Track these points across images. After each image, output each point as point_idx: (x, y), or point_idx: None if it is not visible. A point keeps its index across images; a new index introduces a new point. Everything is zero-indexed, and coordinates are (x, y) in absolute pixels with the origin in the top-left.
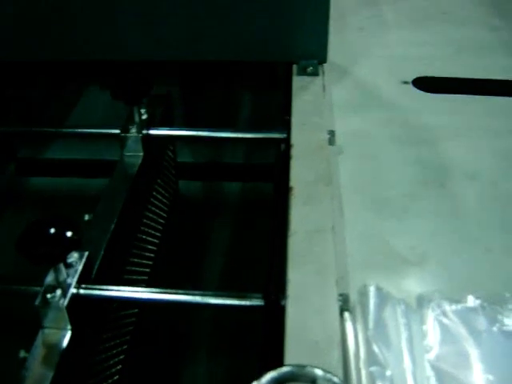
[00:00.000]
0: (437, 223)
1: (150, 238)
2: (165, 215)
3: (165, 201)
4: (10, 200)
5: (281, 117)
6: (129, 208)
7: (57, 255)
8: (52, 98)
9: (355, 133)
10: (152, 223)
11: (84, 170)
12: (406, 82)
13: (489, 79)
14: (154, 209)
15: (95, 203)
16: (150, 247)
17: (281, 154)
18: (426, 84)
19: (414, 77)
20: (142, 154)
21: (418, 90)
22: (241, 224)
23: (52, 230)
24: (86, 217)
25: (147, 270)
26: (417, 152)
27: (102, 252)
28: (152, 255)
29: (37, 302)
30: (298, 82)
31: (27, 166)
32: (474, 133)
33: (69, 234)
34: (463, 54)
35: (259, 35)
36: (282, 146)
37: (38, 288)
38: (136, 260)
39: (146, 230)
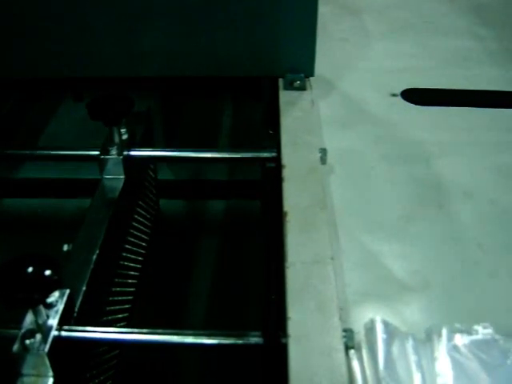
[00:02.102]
0: (437, 246)
1: (132, 264)
2: (147, 238)
3: (146, 223)
4: None
5: (265, 130)
6: (111, 236)
7: (36, 299)
8: (23, 114)
9: (346, 150)
10: (134, 248)
11: (59, 190)
12: (394, 95)
13: (478, 90)
14: (136, 233)
15: (72, 225)
16: (132, 275)
17: (267, 172)
18: (415, 96)
19: (402, 89)
20: (122, 176)
21: (407, 103)
22: (226, 246)
23: (30, 270)
24: (66, 247)
25: (129, 303)
26: (410, 169)
27: (84, 288)
28: (134, 286)
29: (15, 349)
30: (285, 96)
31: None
32: (467, 147)
33: (49, 273)
34: (449, 64)
35: (243, 49)
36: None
37: (15, 331)
38: (118, 292)
39: (128, 256)
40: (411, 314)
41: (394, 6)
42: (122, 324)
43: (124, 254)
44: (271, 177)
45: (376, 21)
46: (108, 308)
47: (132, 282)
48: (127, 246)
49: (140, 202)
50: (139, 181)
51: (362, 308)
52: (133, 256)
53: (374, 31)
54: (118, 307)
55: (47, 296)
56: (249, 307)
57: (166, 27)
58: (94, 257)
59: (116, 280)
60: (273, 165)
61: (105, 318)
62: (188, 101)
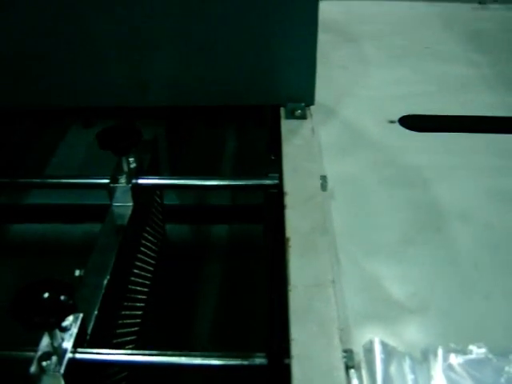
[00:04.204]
0: (434, 269)
1: (140, 288)
2: (153, 263)
3: (153, 247)
4: None
5: (267, 156)
6: (121, 261)
7: (53, 322)
8: (33, 140)
9: (345, 176)
10: (142, 272)
11: (65, 216)
12: (392, 121)
13: (475, 116)
14: (143, 257)
15: (79, 250)
16: (139, 298)
17: (269, 197)
18: (413, 122)
19: (400, 115)
20: (131, 203)
21: (404, 129)
22: (230, 271)
23: (47, 296)
24: (77, 272)
25: (136, 325)
26: (408, 194)
27: (96, 312)
28: (141, 310)
29: (32, 370)
30: (286, 125)
31: (7, 212)
32: (464, 172)
33: (65, 298)
34: (447, 90)
35: (246, 79)
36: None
37: (32, 353)
38: (127, 315)
39: (136, 280)
40: (409, 334)
41: (393, 32)
42: (130, 346)
43: (132, 278)
44: (273, 202)
45: (375, 48)
46: (117, 331)
47: (139, 305)
48: (135, 271)
49: (147, 227)
50: (147, 207)
51: (361, 329)
52: (140, 280)
53: (373, 58)
54: (126, 330)
55: (63, 320)
56: (252, 328)
57: (171, 59)
58: (105, 281)
59: (125, 303)
60: (275, 190)
61: (114, 341)
62: (192, 128)
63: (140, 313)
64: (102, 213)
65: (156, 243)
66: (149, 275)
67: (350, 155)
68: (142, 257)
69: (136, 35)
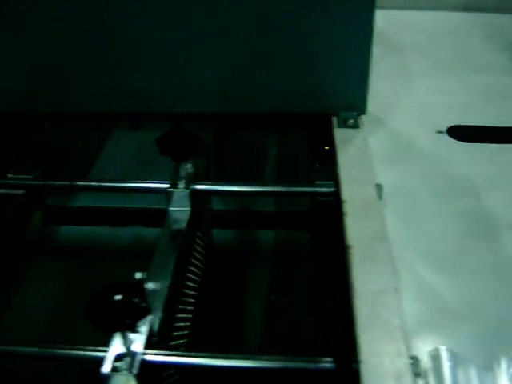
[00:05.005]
0: (489, 277)
1: (192, 292)
2: (202, 267)
3: (202, 251)
4: (39, 251)
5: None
6: (180, 265)
7: (129, 324)
8: (79, 142)
9: (396, 185)
10: (193, 276)
11: (114, 218)
12: (440, 132)
13: None
14: (194, 261)
15: (128, 253)
16: (191, 302)
17: (317, 205)
18: (461, 133)
19: (448, 126)
20: (188, 208)
21: (453, 140)
22: (277, 278)
23: (121, 298)
24: (138, 275)
25: (188, 328)
26: (459, 204)
27: (160, 314)
28: (191, 312)
29: (104, 370)
30: (340, 134)
31: (56, 214)
32: None
33: (138, 301)
34: (492, 101)
35: (298, 87)
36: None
37: (103, 353)
38: (181, 318)
39: (189, 284)
40: (467, 342)
41: (434, 42)
42: (182, 349)
43: (187, 283)
44: (321, 209)
45: (417, 57)
46: (174, 333)
47: (190, 309)
48: (188, 274)
49: (198, 233)
50: (200, 213)
51: (421, 336)
52: (192, 284)
53: (417, 68)
54: (180, 333)
55: (138, 322)
56: (298, 332)
57: (221, 65)
58: (168, 284)
59: (182, 308)
60: (325, 198)
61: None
62: (236, 134)
63: (190, 316)
64: (147, 216)
65: (205, 248)
66: (198, 279)
67: (399, 165)
68: (194, 261)
69: (188, 43)
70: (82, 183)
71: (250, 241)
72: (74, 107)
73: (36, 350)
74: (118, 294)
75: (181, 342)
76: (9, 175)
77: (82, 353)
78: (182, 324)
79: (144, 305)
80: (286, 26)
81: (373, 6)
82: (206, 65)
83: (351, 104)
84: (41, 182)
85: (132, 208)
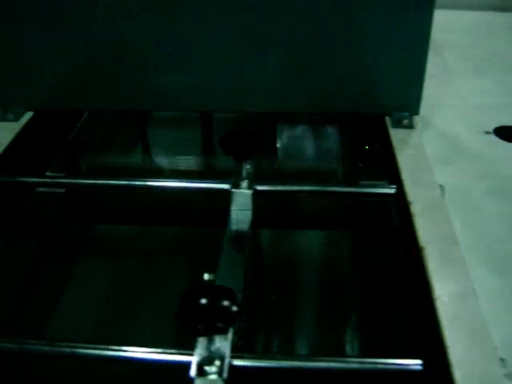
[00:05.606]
0: None
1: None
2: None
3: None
4: (82, 250)
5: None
6: (247, 268)
7: (221, 329)
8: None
9: (451, 186)
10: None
11: (154, 218)
12: (487, 132)
13: None
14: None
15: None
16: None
17: (365, 205)
18: (509, 133)
19: (494, 126)
20: (250, 209)
21: (501, 140)
22: (326, 279)
23: (213, 302)
24: (207, 276)
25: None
26: None
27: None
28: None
29: (192, 374)
30: (396, 134)
31: (104, 213)
32: None
33: (233, 304)
34: None
35: (352, 87)
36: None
37: (188, 357)
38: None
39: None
40: None
41: (471, 42)
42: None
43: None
44: (373, 209)
45: (456, 58)
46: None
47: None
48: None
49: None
50: (257, 213)
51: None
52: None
53: (456, 68)
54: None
55: (232, 326)
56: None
57: (277, 64)
58: (241, 286)
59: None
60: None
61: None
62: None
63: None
64: (187, 215)
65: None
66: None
67: (451, 165)
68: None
69: (244, 43)
70: (137, 183)
71: (294, 241)
72: (112, 104)
73: (119, 353)
74: (208, 298)
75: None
76: (47, 174)
77: (165, 357)
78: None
79: (235, 308)
80: (342, 24)
81: (432, 4)
82: (259, 65)
83: (405, 104)
84: (83, 181)
85: (173, 207)
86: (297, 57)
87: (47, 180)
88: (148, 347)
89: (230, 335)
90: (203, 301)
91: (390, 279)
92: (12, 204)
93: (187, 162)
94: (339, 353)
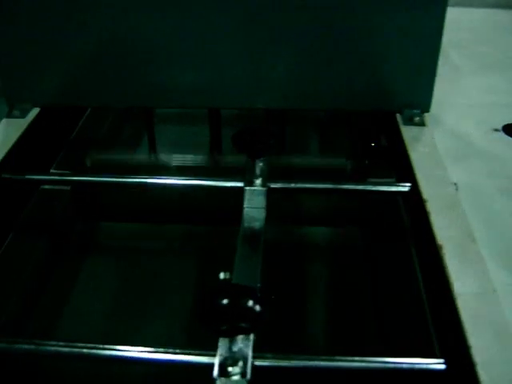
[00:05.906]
0: None
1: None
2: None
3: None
4: (89, 248)
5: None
6: (264, 267)
7: (245, 329)
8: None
9: (462, 183)
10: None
11: (163, 216)
12: (496, 130)
13: None
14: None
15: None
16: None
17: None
18: None
19: (502, 124)
20: (263, 207)
21: (510, 138)
22: (330, 272)
23: (236, 302)
24: (222, 275)
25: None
26: None
27: None
28: None
29: (215, 375)
30: (407, 132)
31: (111, 211)
32: None
33: (257, 305)
34: None
35: (363, 84)
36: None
37: (209, 357)
38: None
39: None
40: None
41: (477, 40)
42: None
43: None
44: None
45: (462, 56)
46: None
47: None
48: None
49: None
50: (269, 211)
51: None
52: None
53: (462, 66)
54: None
55: (257, 326)
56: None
57: (288, 61)
58: (259, 285)
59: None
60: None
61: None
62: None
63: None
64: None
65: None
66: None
67: (462, 163)
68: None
69: (253, 38)
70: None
71: (302, 237)
72: (118, 101)
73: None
74: (230, 297)
75: None
76: (52, 171)
77: (184, 357)
78: None
79: (259, 308)
80: (353, 21)
81: (445, 1)
82: (271, 61)
83: (417, 101)
84: (90, 178)
85: (182, 205)
86: (308, 53)
87: (54, 177)
88: (166, 347)
89: (251, 335)
90: (225, 301)
91: (405, 277)
92: (18, 201)
93: (195, 159)
94: (358, 352)
